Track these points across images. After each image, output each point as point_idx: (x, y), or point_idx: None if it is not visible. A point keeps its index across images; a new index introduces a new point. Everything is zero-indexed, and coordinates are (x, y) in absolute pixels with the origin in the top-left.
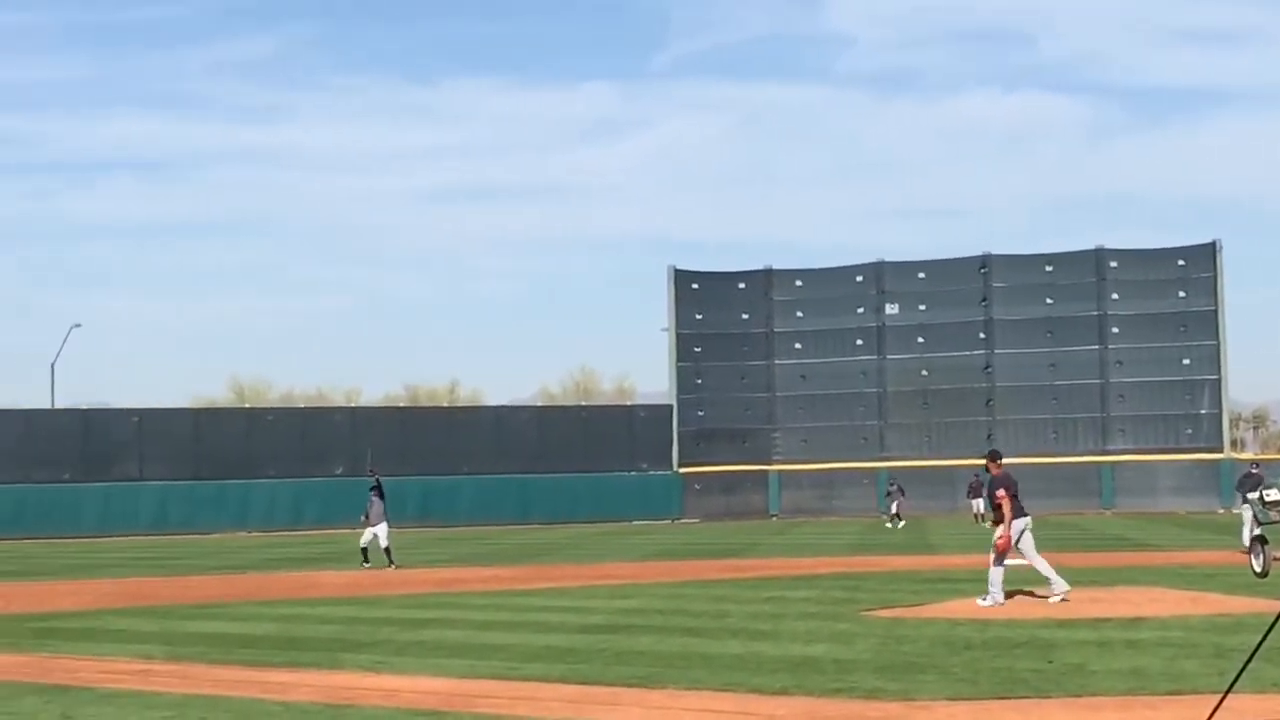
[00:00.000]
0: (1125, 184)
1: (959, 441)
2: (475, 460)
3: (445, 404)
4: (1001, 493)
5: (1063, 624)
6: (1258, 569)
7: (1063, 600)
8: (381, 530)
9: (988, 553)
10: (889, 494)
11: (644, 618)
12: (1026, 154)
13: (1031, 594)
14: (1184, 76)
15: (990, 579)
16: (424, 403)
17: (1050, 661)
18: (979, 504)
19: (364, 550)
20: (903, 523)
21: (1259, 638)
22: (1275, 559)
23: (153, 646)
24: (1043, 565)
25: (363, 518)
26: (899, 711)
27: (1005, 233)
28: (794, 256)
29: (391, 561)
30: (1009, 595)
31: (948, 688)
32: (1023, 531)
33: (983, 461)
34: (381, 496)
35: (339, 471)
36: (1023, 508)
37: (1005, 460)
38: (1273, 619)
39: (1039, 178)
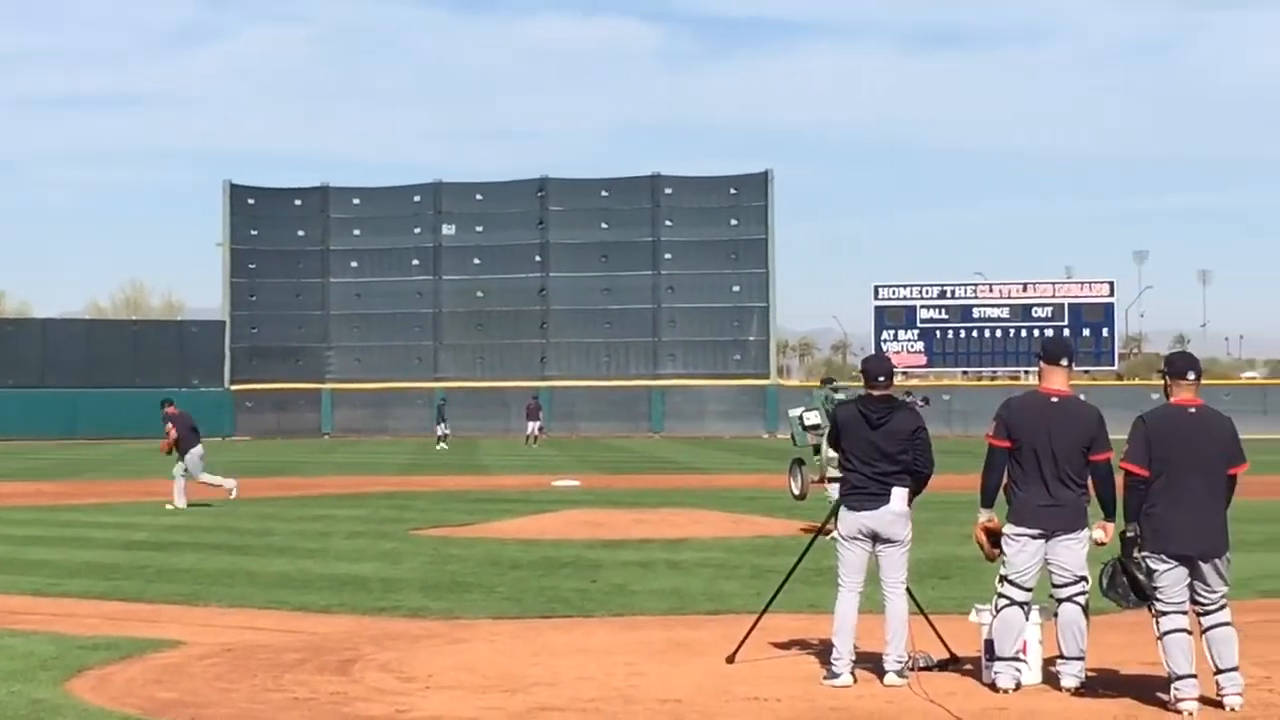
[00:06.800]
0: (691, 112)
1: (513, 363)
2: (21, 373)
3: None
4: None
5: (608, 545)
6: (796, 492)
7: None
8: None
9: (539, 474)
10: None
11: (189, 534)
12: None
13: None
14: (754, 7)
15: None
16: None
17: (594, 581)
18: (534, 426)
19: None
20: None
21: (795, 559)
22: (813, 483)
23: None
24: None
25: None
26: (442, 629)
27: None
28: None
29: None
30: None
31: (492, 606)
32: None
33: (536, 383)
34: None
35: None
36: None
37: (555, 383)
38: (808, 541)
39: (609, 104)
